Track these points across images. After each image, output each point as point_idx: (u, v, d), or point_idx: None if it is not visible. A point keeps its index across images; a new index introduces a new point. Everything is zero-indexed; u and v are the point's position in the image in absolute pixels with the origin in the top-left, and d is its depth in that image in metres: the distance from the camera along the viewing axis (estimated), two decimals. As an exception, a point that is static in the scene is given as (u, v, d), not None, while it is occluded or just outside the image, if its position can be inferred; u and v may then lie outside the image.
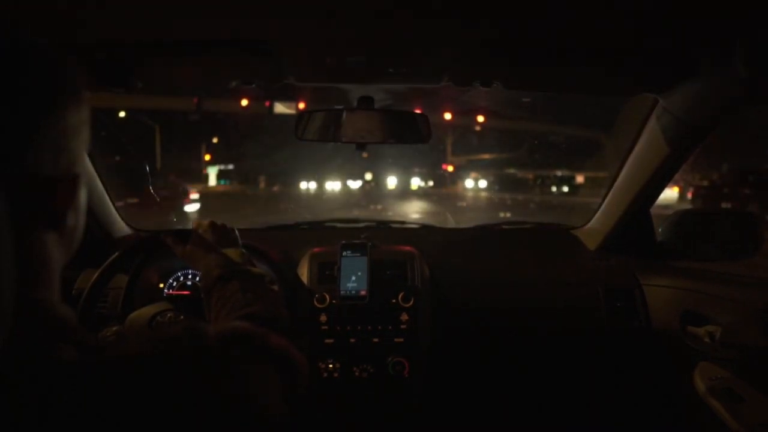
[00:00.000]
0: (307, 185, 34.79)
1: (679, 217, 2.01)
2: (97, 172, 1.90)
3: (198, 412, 0.55)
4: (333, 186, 34.10)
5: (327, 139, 1.73)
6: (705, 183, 19.05)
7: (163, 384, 0.54)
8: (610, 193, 2.09)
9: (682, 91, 1.54)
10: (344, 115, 1.69)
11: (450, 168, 43.66)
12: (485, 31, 1.24)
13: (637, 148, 1.88)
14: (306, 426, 1.93)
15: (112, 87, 1.52)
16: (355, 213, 16.53)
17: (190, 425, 0.54)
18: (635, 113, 1.85)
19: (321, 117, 1.72)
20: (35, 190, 0.55)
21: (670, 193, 18.71)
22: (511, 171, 43.42)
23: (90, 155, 1.82)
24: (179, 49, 1.34)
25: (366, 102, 1.68)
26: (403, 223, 2.54)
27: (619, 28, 1.21)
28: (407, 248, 2.03)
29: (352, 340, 1.86)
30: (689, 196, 18.20)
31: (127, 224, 2.15)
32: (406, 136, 1.74)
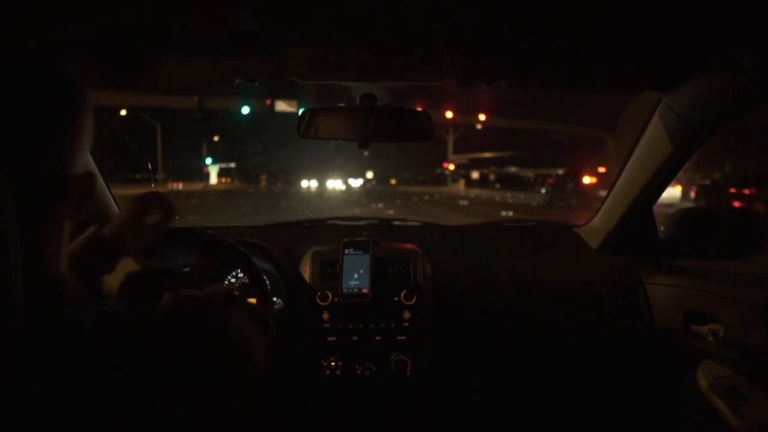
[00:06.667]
0: (308, 183, 34.89)
1: (682, 216, 1.99)
2: (98, 169, 1.90)
3: (206, 358, 0.67)
4: (334, 184, 34.20)
5: (329, 137, 1.72)
6: (706, 181, 19.04)
7: (179, 334, 0.68)
8: (613, 191, 2.08)
9: (687, 89, 1.53)
10: (346, 113, 1.69)
11: (451, 166, 43.80)
12: (488, 29, 1.23)
13: (640, 146, 1.88)
14: (308, 423, 1.94)
15: (114, 84, 1.52)
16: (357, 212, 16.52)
17: (200, 367, 0.66)
18: (639, 111, 1.84)
19: (323, 115, 1.71)
20: (55, 188, 0.64)
21: (673, 192, 18.71)
22: (513, 170, 43.61)
23: (91, 153, 1.83)
24: (181, 46, 1.33)
25: (368, 100, 1.68)
26: (405, 221, 2.54)
27: (624, 26, 1.20)
28: (409, 246, 2.03)
29: (355, 338, 1.86)
30: (692, 194, 18.16)
31: None
32: (409, 133, 1.73)
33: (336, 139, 1.73)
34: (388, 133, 1.73)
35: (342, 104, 1.72)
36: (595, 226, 2.23)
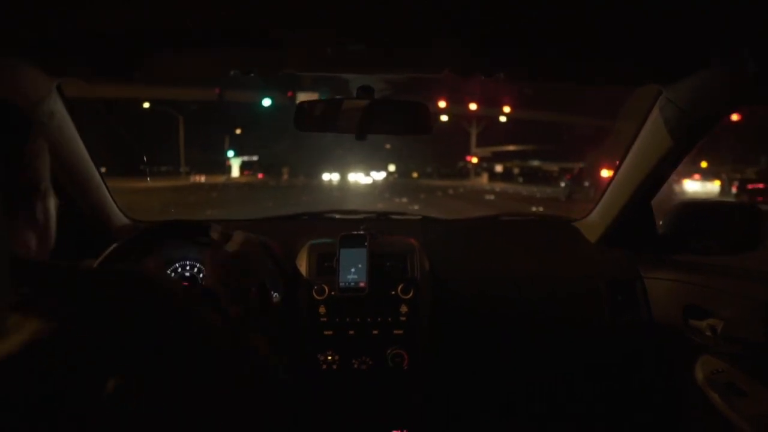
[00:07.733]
0: (330, 177, 35.03)
1: (680, 210, 1.97)
2: (95, 163, 1.93)
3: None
4: (356, 177, 34.28)
5: (326, 129, 1.74)
6: (737, 176, 18.55)
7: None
8: (612, 185, 2.06)
9: (687, 83, 1.51)
10: (344, 105, 1.69)
11: (474, 159, 43.57)
12: (489, 22, 1.23)
13: (639, 139, 1.85)
14: (305, 417, 1.95)
15: (111, 75, 1.54)
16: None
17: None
18: (638, 104, 1.82)
19: (320, 107, 1.72)
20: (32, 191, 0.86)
21: (711, 187, 18.26)
22: (536, 163, 43.24)
23: (88, 146, 1.86)
24: (177, 38, 1.35)
25: (365, 92, 1.68)
26: (403, 214, 2.53)
27: (624, 20, 1.19)
28: (407, 240, 2.02)
29: (352, 332, 1.85)
30: (733, 190, 17.55)
31: (125, 214, 2.17)
32: (407, 126, 1.73)
33: (332, 131, 1.74)
34: (386, 126, 1.74)
35: (339, 96, 1.72)
36: (594, 220, 2.20)
